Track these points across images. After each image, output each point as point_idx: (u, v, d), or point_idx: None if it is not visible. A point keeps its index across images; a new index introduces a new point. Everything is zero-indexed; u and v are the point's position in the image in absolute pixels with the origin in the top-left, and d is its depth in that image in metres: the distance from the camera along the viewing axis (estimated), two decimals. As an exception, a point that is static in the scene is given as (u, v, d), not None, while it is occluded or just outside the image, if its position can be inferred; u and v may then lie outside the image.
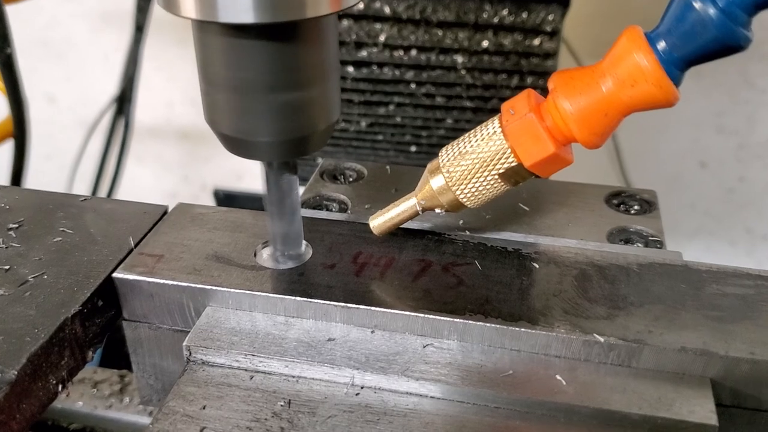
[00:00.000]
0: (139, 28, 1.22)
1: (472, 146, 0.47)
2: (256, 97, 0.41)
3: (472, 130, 0.48)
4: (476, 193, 0.48)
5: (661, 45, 0.40)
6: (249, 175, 1.66)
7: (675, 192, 1.44)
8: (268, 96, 0.41)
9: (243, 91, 0.41)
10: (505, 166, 0.46)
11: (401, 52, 0.86)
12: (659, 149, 1.41)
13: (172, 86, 1.56)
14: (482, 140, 0.46)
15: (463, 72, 0.86)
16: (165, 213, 0.54)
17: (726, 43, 0.38)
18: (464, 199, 0.48)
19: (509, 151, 0.45)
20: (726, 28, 0.38)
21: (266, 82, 0.41)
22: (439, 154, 0.49)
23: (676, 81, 0.41)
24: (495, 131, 0.46)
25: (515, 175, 0.47)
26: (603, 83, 0.42)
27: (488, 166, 0.46)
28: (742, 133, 1.36)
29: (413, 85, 0.88)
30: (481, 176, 0.47)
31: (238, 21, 0.38)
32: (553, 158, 0.45)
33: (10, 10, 0.82)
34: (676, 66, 0.41)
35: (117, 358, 0.72)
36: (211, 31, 0.40)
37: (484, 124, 0.47)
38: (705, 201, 1.46)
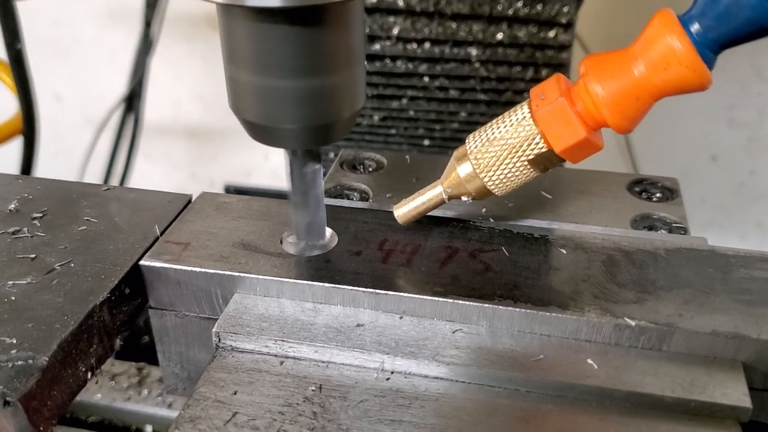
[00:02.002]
0: (148, 25, 1.22)
1: (500, 132, 0.47)
2: (282, 83, 0.41)
3: (500, 116, 0.47)
4: (504, 180, 0.47)
5: (695, 27, 0.40)
6: (257, 173, 1.65)
7: (686, 185, 1.42)
8: (294, 82, 0.41)
9: (268, 76, 0.41)
10: (535, 152, 0.46)
11: (414, 45, 0.86)
12: (670, 142, 1.41)
13: (180, 84, 1.56)
14: (511, 126, 0.46)
15: (477, 65, 0.86)
16: (189, 202, 0.54)
17: (762, 24, 0.38)
18: (492, 187, 0.48)
19: (539, 136, 0.45)
20: (762, 8, 0.37)
21: (292, 68, 0.41)
22: (467, 140, 0.49)
23: (710, 64, 0.41)
24: (524, 116, 0.46)
25: (545, 161, 0.46)
26: (635, 67, 0.42)
27: (517, 152, 0.46)
28: (753, 126, 1.36)
29: (426, 79, 0.88)
30: (510, 162, 0.47)
31: (264, 4, 0.38)
32: (584, 143, 0.44)
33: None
34: (710, 48, 0.40)
35: (133, 350, 0.72)
36: (237, 15, 0.40)
37: (513, 109, 0.47)
38: (716, 194, 1.46)
